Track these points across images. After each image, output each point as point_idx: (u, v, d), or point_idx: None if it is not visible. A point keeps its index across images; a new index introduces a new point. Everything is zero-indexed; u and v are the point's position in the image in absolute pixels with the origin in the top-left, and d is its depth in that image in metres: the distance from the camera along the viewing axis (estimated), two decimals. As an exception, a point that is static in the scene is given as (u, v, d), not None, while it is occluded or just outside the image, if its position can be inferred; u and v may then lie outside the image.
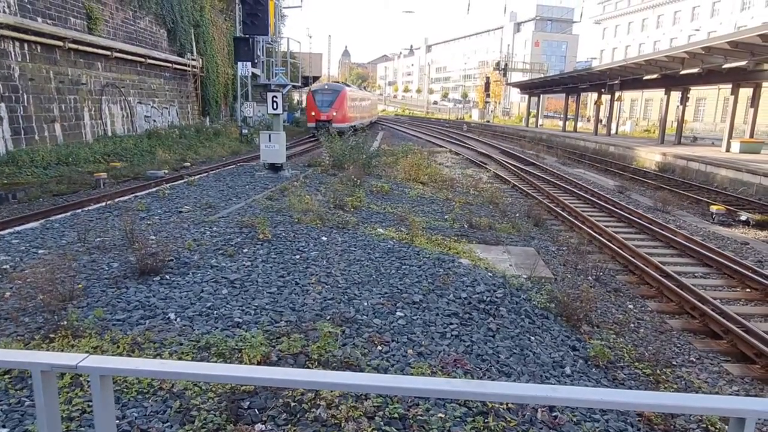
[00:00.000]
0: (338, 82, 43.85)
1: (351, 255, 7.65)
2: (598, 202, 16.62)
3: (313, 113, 33.46)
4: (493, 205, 14.95)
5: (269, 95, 14.25)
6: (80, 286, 5.80)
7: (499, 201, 15.44)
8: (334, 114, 33.07)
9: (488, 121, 69.86)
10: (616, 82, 35.61)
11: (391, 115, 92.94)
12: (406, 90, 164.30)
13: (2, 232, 8.16)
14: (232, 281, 6.31)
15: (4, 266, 6.55)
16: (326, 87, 35.64)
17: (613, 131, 42.38)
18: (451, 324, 5.57)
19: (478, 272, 7.42)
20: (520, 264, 9.01)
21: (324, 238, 8.42)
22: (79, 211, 9.85)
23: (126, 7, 22.96)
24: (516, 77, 75.32)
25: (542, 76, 62.53)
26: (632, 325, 7.80)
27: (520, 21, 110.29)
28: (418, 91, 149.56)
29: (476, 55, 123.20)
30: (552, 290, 7.48)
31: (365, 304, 5.83)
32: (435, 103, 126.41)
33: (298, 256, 7.41)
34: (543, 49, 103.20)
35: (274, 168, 15.12)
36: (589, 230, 12.93)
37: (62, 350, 4.44)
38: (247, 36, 13.20)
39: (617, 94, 39.53)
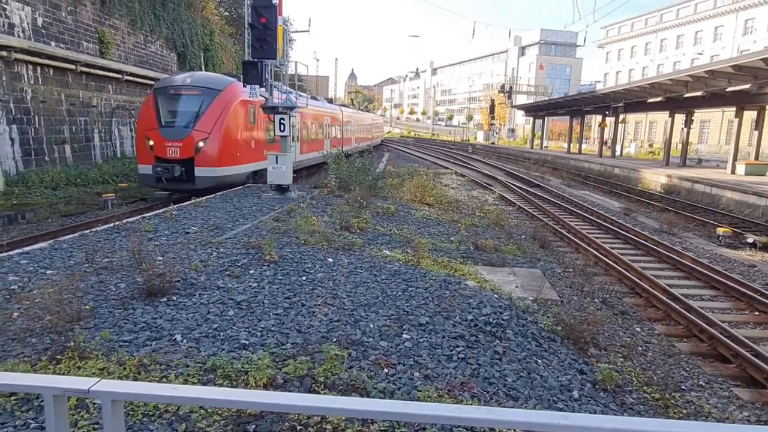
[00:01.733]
0: (228, 75, 19.85)
1: (357, 277, 7.65)
2: (604, 223, 16.59)
3: (150, 141, 15.54)
4: (498, 226, 14.95)
5: (276, 117, 14.42)
6: (88, 307, 5.82)
7: (504, 223, 15.45)
8: (201, 145, 15.35)
9: (493, 143, 70.20)
10: (620, 104, 35.81)
11: (396, 136, 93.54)
12: (412, 112, 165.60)
13: (11, 253, 8.22)
14: (239, 302, 6.32)
15: (13, 287, 6.59)
16: (188, 81, 16.55)
17: (617, 153, 42.49)
18: (458, 346, 5.55)
19: (485, 294, 7.40)
20: (526, 286, 8.98)
21: (330, 260, 8.43)
22: (88, 231, 9.92)
23: (137, 32, 23.41)
24: (521, 100, 75.86)
25: (547, 98, 62.96)
26: (640, 348, 7.73)
27: (524, 45, 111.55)
28: (424, 113, 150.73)
29: (481, 78, 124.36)
30: (558, 312, 7.44)
31: (371, 326, 5.82)
32: (441, 120, 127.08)
33: (304, 278, 7.42)
34: (547, 73, 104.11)
35: (281, 189, 15.21)
36: (595, 252, 12.89)
37: (69, 372, 4.45)
38: (255, 60, 13.43)
39: (621, 117, 39.72)
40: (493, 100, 76.72)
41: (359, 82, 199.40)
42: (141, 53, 23.92)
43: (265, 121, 18.09)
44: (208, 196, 14.97)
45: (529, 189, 24.79)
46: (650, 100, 31.86)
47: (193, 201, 13.89)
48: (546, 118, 58.49)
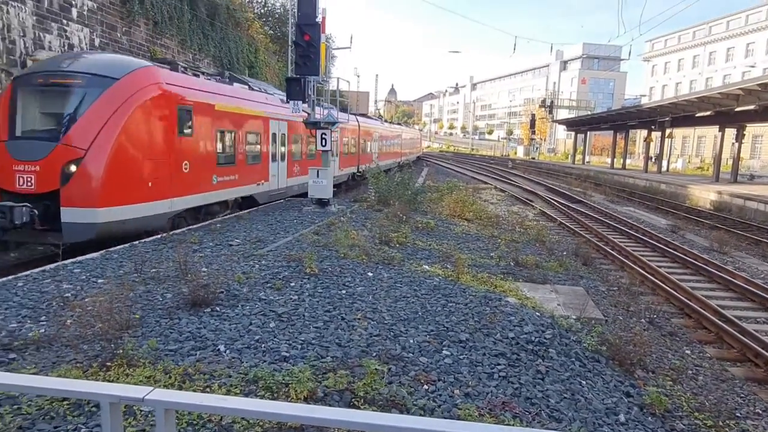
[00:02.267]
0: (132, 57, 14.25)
1: (397, 291, 7.65)
2: (650, 241, 16.09)
3: None
4: (539, 242, 14.70)
5: (318, 132, 14.65)
6: (137, 316, 6.00)
7: (545, 239, 15.17)
8: (72, 169, 9.75)
9: (533, 158, 69.33)
10: (667, 119, 34.85)
11: (435, 151, 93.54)
12: (451, 127, 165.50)
13: (65, 262, 8.57)
14: (280, 315, 6.40)
15: (66, 294, 6.86)
16: (67, 66, 10.71)
17: (663, 168, 41.27)
18: (499, 365, 5.45)
19: (526, 312, 7.27)
20: (569, 304, 8.77)
21: (370, 274, 8.46)
22: (137, 242, 10.26)
23: (187, 51, 24.30)
24: (562, 114, 74.87)
25: (589, 113, 61.91)
26: (690, 371, 7.42)
27: (566, 59, 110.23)
28: (463, 128, 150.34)
29: (521, 93, 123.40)
30: (603, 332, 7.23)
31: (411, 341, 5.79)
32: (481, 135, 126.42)
33: (344, 291, 7.46)
34: (590, 87, 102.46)
35: (321, 203, 15.39)
36: (640, 270, 12.50)
37: (118, 379, 4.58)
38: (299, 76, 13.72)
39: (668, 131, 38.63)
40: (534, 114, 75.98)
41: (399, 98, 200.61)
42: (189, 71, 24.74)
43: (223, 131, 13.77)
44: (250, 210, 15.27)
45: (570, 205, 24.31)
46: (699, 114, 30.89)
47: (235, 214, 14.20)
48: (588, 132, 57.45)
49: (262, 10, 37.26)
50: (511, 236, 14.66)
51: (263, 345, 5.50)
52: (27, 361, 4.90)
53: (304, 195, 17.17)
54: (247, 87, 16.67)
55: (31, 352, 5.12)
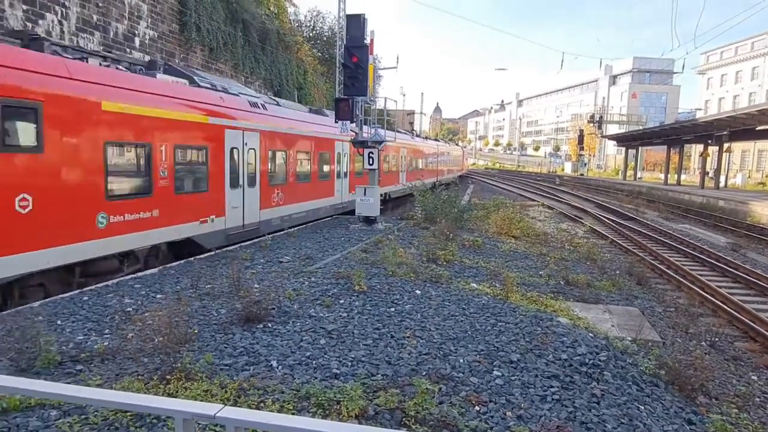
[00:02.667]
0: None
1: (445, 309, 7.62)
2: (709, 260, 15.40)
3: None
4: (590, 261, 14.32)
5: (366, 151, 14.86)
6: (195, 331, 6.20)
7: (596, 257, 14.77)
8: None
9: (582, 174, 67.81)
10: (725, 133, 33.48)
11: (481, 168, 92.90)
12: (497, 144, 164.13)
13: (126, 278, 8.97)
14: (330, 332, 6.48)
15: (128, 309, 7.17)
16: None
17: (721, 184, 39.55)
18: (552, 387, 5.34)
19: (578, 332, 7.09)
20: (623, 325, 8.50)
21: (418, 292, 8.46)
22: (192, 258, 10.62)
23: (239, 74, 25.24)
24: (612, 130, 73.05)
25: (641, 128, 60.18)
26: (758, 399, 7.02)
27: (616, 74, 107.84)
28: (509, 144, 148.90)
29: (569, 109, 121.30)
30: (661, 355, 6.96)
31: (461, 360, 5.75)
32: (527, 152, 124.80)
33: (392, 309, 7.49)
34: (641, 101, 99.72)
35: (368, 221, 15.53)
36: (699, 291, 11.98)
37: (177, 392, 4.74)
38: (347, 97, 14.01)
39: (726, 146, 37.10)
40: (582, 130, 74.45)
41: (444, 115, 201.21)
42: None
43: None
44: (299, 227, 15.56)
45: (622, 222, 23.58)
46: (759, 128, 29.56)
47: (285, 231, 14.49)
48: (640, 148, 55.80)
49: (311, 34, 38.30)
50: (560, 254, 14.35)
51: (314, 361, 5.58)
52: (93, 372, 5.14)
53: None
54: (186, 82, 11.80)
55: (97, 363, 5.37)
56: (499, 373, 5.51)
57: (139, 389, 4.75)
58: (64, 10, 14.70)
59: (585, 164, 73.62)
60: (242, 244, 12.51)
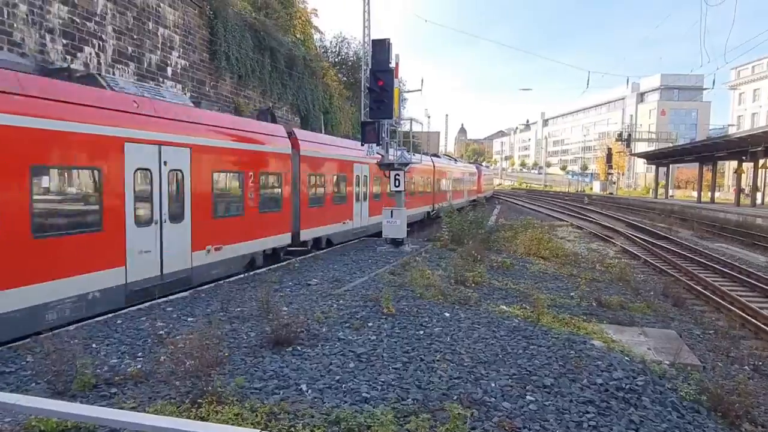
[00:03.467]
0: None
1: (475, 332, 7.51)
2: (748, 280, 14.89)
3: None
4: (623, 282, 14.00)
5: (392, 173, 14.93)
6: (226, 354, 6.23)
7: (629, 278, 14.44)
8: None
9: (611, 193, 66.79)
10: (760, 148, 32.64)
11: (507, 188, 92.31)
12: (523, 164, 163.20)
13: (158, 301, 9.11)
14: (359, 355, 6.44)
15: (160, 332, 7.26)
16: None
17: (758, 201, 38.39)
18: (588, 413, 5.19)
19: (614, 356, 6.90)
20: (660, 348, 8.23)
21: (447, 314, 8.38)
22: (222, 282, 10.75)
23: (267, 100, 25.79)
24: (640, 147, 71.93)
25: (671, 145, 59.14)
26: (806, 426, 6.69)
27: (643, 91, 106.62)
28: (535, 164, 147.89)
29: (596, 127, 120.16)
30: (701, 380, 6.70)
31: (493, 385, 5.64)
32: (543, 171, 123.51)
33: (421, 332, 7.42)
34: (670, 118, 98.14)
35: (395, 243, 15.51)
36: (740, 312, 11.57)
37: (208, 416, 4.75)
38: (373, 120, 14.16)
39: (762, 162, 36.12)
40: (610, 148, 73.61)
41: (469, 136, 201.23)
42: (268, 118, 26.20)
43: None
44: (326, 249, 15.62)
45: (655, 241, 23.03)
46: (796, 143, 28.72)
47: (313, 254, 14.58)
48: (671, 165, 54.78)
49: (337, 59, 39.02)
50: (591, 275, 14.06)
51: (344, 385, 5.54)
52: (126, 395, 5.20)
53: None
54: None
55: (130, 386, 5.44)
56: (533, 398, 5.39)
57: (172, 413, 4.78)
58: (101, 43, 15.31)
59: (614, 183, 72.50)
60: (271, 266, 12.61)
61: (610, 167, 72.77)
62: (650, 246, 21.58)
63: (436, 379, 5.73)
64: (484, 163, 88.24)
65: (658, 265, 17.60)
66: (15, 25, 12.34)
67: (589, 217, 36.27)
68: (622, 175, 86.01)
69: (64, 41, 13.97)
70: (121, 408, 4.75)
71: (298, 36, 31.52)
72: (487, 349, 6.84)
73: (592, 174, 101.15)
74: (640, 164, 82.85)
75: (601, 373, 6.16)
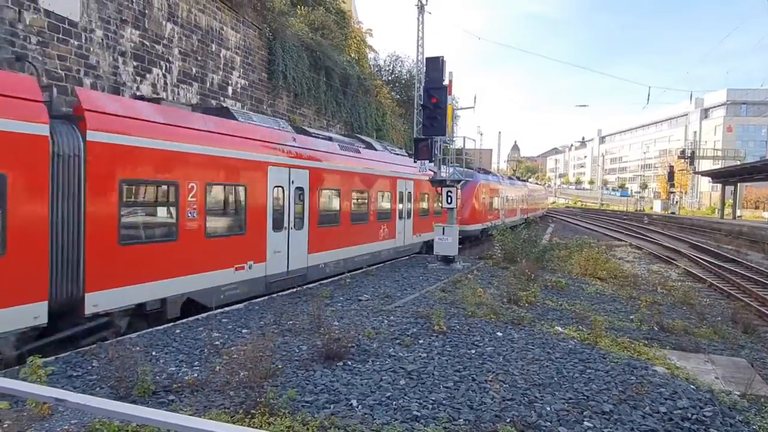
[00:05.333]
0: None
1: (529, 353, 7.31)
2: (829, 308, 13.84)
3: None
4: (687, 305, 13.32)
5: (444, 190, 14.87)
6: (278, 366, 6.32)
7: (694, 301, 13.72)
8: None
9: (673, 213, 63.93)
10: (839, 167, 30.52)
11: (561, 207, 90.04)
12: (578, 182, 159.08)
13: (215, 312, 9.37)
14: (409, 372, 6.39)
15: (216, 342, 7.46)
16: None
17: (839, 224, 35.77)
18: (650, 442, 4.93)
19: (678, 383, 6.54)
20: (729, 377, 7.74)
21: (499, 334, 8.21)
22: (275, 295, 10.95)
23: (321, 117, 26.37)
24: (705, 165, 68.76)
25: (739, 162, 56.22)
26: None
27: (708, 107, 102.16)
28: (591, 182, 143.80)
29: (656, 145, 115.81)
30: (777, 413, 6.25)
31: (548, 408, 5.46)
32: (613, 189, 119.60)
33: (473, 351, 7.29)
34: (737, 135, 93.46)
35: (446, 260, 15.39)
36: (819, 342, 10.75)
37: (261, 427, 4.81)
38: (425, 137, 14.20)
39: (841, 181, 33.70)
40: (672, 166, 70.69)
41: (522, 153, 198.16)
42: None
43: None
44: (377, 265, 15.66)
45: (722, 264, 21.80)
46: None
47: (363, 270, 14.64)
48: (739, 184, 51.98)
49: (390, 77, 39.47)
50: (652, 298, 13.46)
51: (394, 402, 5.50)
52: (183, 403, 5.34)
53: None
54: None
55: (187, 394, 5.59)
56: (591, 424, 5.17)
57: (227, 422, 4.87)
58: (168, 64, 16.12)
59: (676, 202, 69.46)
60: (323, 281, 12.74)
61: (672, 186, 69.77)
62: (716, 269, 20.45)
63: (488, 400, 5.60)
64: (536, 181, 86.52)
65: (725, 288, 16.65)
66: (92, 49, 13.18)
67: (650, 237, 34.81)
68: (685, 194, 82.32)
69: (135, 63, 14.79)
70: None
71: (352, 55, 32.14)
72: (541, 371, 6.64)
73: (652, 192, 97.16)
74: (705, 183, 79.05)
75: (665, 401, 5.86)
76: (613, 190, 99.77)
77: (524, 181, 54.08)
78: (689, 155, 66.14)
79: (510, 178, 47.09)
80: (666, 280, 16.94)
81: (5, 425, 4.37)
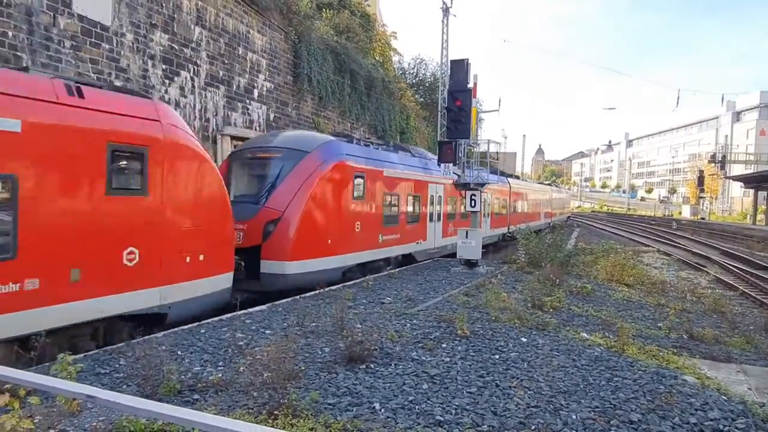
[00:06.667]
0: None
1: (554, 360, 7.20)
2: None
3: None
4: (718, 314, 12.99)
5: (468, 194, 14.78)
6: (302, 368, 6.34)
7: (725, 309, 13.37)
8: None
9: (703, 218, 62.45)
10: None
11: (587, 211, 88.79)
12: (604, 186, 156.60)
13: (238, 313, 9.45)
14: (432, 376, 6.35)
15: (240, 343, 7.52)
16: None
17: None
18: (680, 454, 4.80)
19: (709, 394, 6.37)
20: (764, 389, 7.51)
21: (524, 339, 8.10)
22: (298, 297, 11.01)
23: (346, 120, 26.49)
24: (736, 170, 67.04)
25: (772, 167, 54.64)
26: None
27: (740, 110, 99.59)
28: (618, 186, 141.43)
29: (685, 149, 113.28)
30: (814, 427, 6.03)
31: (574, 416, 5.36)
32: (642, 199, 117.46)
33: (497, 356, 7.21)
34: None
35: (470, 264, 15.28)
36: None
37: (284, 428, 4.83)
38: (450, 140, 14.13)
39: None
40: (702, 171, 69.10)
41: (547, 157, 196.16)
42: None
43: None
44: (400, 269, 15.63)
45: (754, 272, 21.20)
46: None
47: (387, 272, 14.63)
48: (772, 189, 50.52)
49: (414, 80, 39.47)
50: (681, 305, 13.17)
51: (417, 406, 5.47)
52: (208, 402, 5.39)
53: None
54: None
55: (211, 394, 5.64)
56: (618, 434, 5.06)
57: (251, 423, 4.89)
58: (195, 67, 16.38)
59: (706, 207, 67.85)
60: (346, 283, 12.76)
61: (702, 191, 68.20)
62: (749, 276, 19.90)
63: (512, 407, 5.53)
64: (561, 185, 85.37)
65: (758, 297, 16.18)
66: (122, 53, 13.48)
67: (678, 243, 34.08)
68: (715, 199, 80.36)
69: (164, 66, 15.07)
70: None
71: (377, 58, 32.23)
72: (567, 378, 6.53)
73: (681, 197, 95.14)
74: (736, 188, 77.02)
75: (695, 412, 5.70)
76: (624, 192, 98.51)
77: (548, 184, 53.36)
78: (720, 159, 64.55)
79: (534, 181, 46.56)
80: (696, 287, 16.55)
81: (36, 420, 4.46)
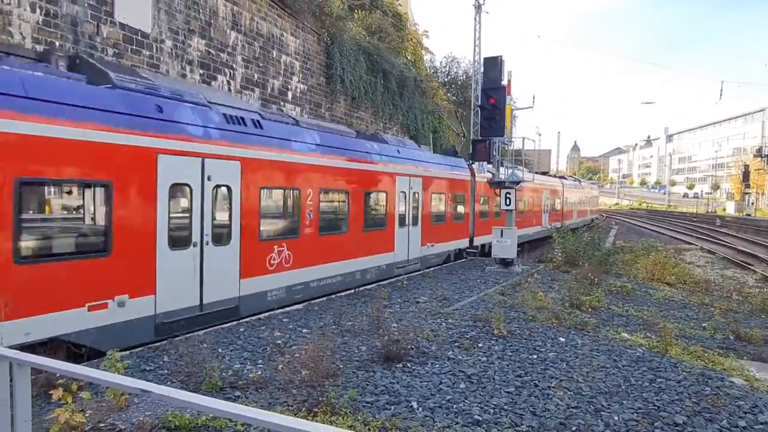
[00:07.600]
0: None
1: (594, 360, 7.08)
2: None
3: None
4: (766, 314, 12.49)
5: (502, 192, 14.64)
6: (339, 366, 6.41)
7: (775, 310, 12.84)
8: None
9: (749, 215, 60.21)
10: None
11: (625, 208, 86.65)
12: (643, 182, 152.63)
13: (276, 312, 9.61)
14: (469, 376, 6.33)
15: (278, 341, 7.64)
16: None
17: None
18: (728, 458, 4.66)
19: (759, 396, 6.15)
20: (817, 392, 7.20)
21: (562, 339, 7.99)
22: (334, 296, 11.11)
23: (378, 120, 26.56)
24: (785, 164, 64.33)
25: (823, 161, 52.26)
26: None
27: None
28: (657, 183, 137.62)
29: (729, 143, 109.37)
30: None
31: (616, 418, 5.26)
32: (685, 196, 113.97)
33: (535, 356, 7.14)
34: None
35: (505, 263, 15.13)
36: None
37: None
38: (483, 138, 14.03)
39: None
40: (747, 165, 66.67)
41: (582, 154, 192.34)
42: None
43: None
44: (434, 268, 15.60)
45: (805, 270, 20.34)
46: None
47: (421, 272, 14.62)
48: (823, 184, 48.27)
49: (446, 79, 39.25)
50: (727, 305, 12.73)
51: (455, 406, 5.46)
52: (249, 399, 5.50)
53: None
54: None
55: (252, 391, 5.76)
56: (662, 436, 4.94)
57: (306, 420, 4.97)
58: (231, 71, 16.70)
59: (752, 203, 65.37)
60: (380, 283, 12.79)
61: (747, 186, 65.80)
62: (799, 275, 19.10)
63: (552, 407, 5.46)
64: (585, 181, 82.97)
65: (809, 296, 15.48)
66: (162, 59, 13.85)
67: (723, 240, 32.94)
68: (762, 194, 77.38)
69: (201, 71, 15.42)
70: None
71: (409, 58, 32.17)
72: (607, 378, 6.41)
73: (725, 193, 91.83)
74: (785, 183, 73.97)
75: (744, 415, 5.52)
76: (652, 187, 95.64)
77: (587, 180, 51.51)
78: (766, 154, 62.12)
79: (569, 178, 45.39)
80: (742, 287, 15.97)
81: (87, 414, 4.64)
